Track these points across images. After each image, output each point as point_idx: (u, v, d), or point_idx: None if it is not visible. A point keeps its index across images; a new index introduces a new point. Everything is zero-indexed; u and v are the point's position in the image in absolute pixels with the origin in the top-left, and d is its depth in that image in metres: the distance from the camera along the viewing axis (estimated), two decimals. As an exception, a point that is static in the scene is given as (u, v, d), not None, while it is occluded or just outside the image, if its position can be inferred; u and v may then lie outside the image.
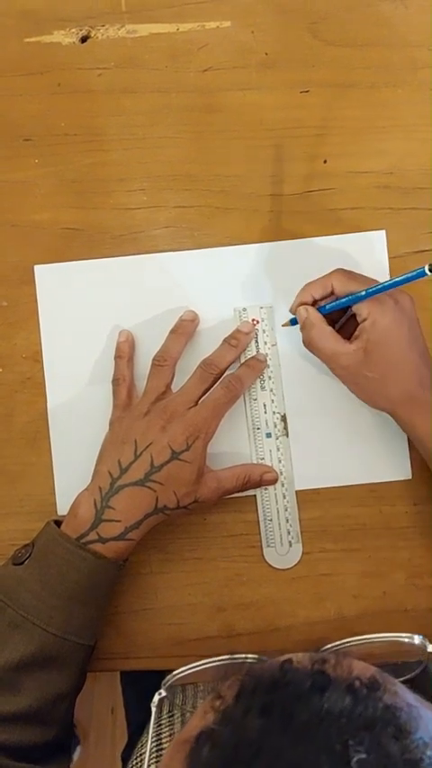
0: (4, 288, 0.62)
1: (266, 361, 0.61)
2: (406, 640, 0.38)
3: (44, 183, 0.62)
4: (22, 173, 0.62)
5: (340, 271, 0.56)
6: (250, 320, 0.61)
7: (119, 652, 0.61)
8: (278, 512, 0.61)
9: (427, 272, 0.48)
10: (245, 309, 0.62)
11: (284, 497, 0.61)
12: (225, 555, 0.61)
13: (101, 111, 0.62)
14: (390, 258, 0.61)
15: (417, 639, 0.38)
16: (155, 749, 0.51)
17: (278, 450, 0.61)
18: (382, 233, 0.62)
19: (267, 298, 0.62)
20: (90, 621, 0.55)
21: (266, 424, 0.61)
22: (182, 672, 0.40)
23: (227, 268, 0.62)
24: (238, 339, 0.60)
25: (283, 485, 0.61)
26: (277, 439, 0.61)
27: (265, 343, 0.62)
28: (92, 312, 0.62)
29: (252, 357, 0.61)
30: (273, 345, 0.62)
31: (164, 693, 0.40)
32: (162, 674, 0.67)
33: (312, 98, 0.62)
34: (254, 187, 0.62)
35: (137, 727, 0.78)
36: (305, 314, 0.56)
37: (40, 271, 0.62)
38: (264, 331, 0.62)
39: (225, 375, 0.59)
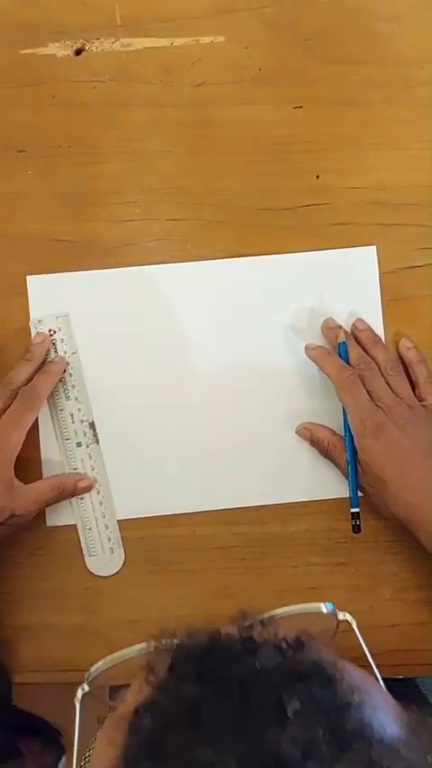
0: (-3, 298, 0.62)
1: (65, 361, 0.61)
2: (322, 610, 0.40)
3: (37, 195, 0.62)
4: (16, 183, 0.62)
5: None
6: (46, 331, 0.61)
7: (106, 664, 0.61)
8: (96, 519, 0.61)
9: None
10: (40, 321, 0.62)
11: (101, 504, 0.61)
12: (214, 567, 0.61)
13: (95, 123, 0.62)
14: (382, 274, 0.62)
15: (324, 608, 0.40)
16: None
17: (90, 458, 0.61)
18: (373, 248, 0.62)
19: (247, 311, 0.62)
20: None
21: (75, 433, 0.61)
22: (104, 664, 0.40)
23: (217, 281, 0.62)
24: (32, 352, 0.61)
25: (98, 492, 0.61)
26: (88, 447, 0.61)
27: (65, 351, 0.62)
28: (83, 323, 0.62)
29: (47, 362, 0.61)
30: (73, 353, 0.62)
31: (87, 689, 0.40)
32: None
33: (305, 114, 0.62)
34: (246, 201, 0.62)
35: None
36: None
37: (33, 281, 0.62)
38: (62, 340, 0.62)
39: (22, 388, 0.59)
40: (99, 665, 0.40)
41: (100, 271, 0.62)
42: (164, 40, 0.62)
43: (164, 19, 0.62)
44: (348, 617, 0.40)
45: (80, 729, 0.38)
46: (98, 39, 0.62)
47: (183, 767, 0.26)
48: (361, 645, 0.39)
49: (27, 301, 0.62)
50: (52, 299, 0.62)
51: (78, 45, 0.62)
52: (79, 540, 0.60)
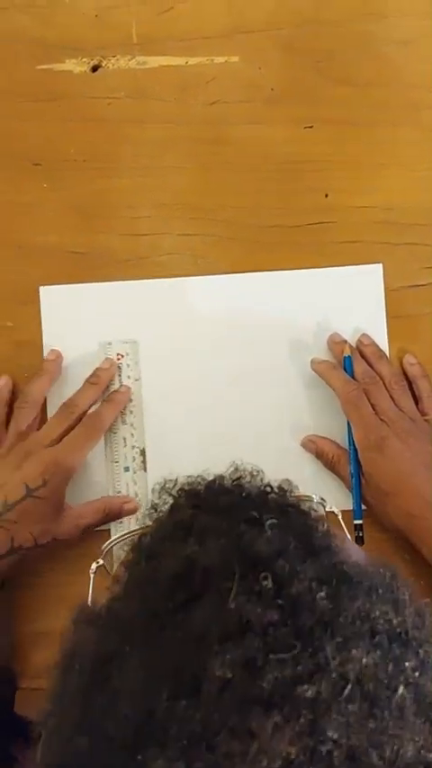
0: (10, 308, 0.63)
1: (129, 392, 0.62)
2: (313, 498, 0.42)
3: (52, 207, 0.64)
4: (31, 196, 0.64)
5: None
6: (114, 355, 0.62)
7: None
8: None
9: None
10: (110, 344, 0.62)
11: None
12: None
13: (109, 139, 0.64)
14: (387, 291, 0.63)
15: (315, 497, 0.42)
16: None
17: (135, 483, 0.61)
18: (379, 266, 0.63)
19: (254, 325, 0.63)
20: None
21: (125, 457, 0.62)
22: (119, 538, 0.42)
23: (226, 295, 0.63)
24: (98, 377, 0.61)
25: (137, 519, 0.61)
26: (135, 473, 0.62)
27: (129, 377, 0.62)
28: (94, 334, 0.63)
29: (113, 391, 0.62)
30: (136, 380, 0.62)
31: (101, 562, 0.42)
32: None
33: (316, 134, 0.64)
34: (257, 218, 0.63)
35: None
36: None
37: (45, 292, 0.63)
38: (128, 365, 0.62)
39: (87, 413, 0.60)
40: (112, 540, 0.42)
41: (112, 283, 0.63)
42: (179, 59, 0.64)
43: (179, 38, 0.63)
44: (336, 509, 0.43)
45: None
46: (114, 56, 0.64)
47: (172, 562, 0.29)
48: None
49: (39, 312, 0.63)
50: (64, 309, 0.63)
51: (95, 62, 0.64)
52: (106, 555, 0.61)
